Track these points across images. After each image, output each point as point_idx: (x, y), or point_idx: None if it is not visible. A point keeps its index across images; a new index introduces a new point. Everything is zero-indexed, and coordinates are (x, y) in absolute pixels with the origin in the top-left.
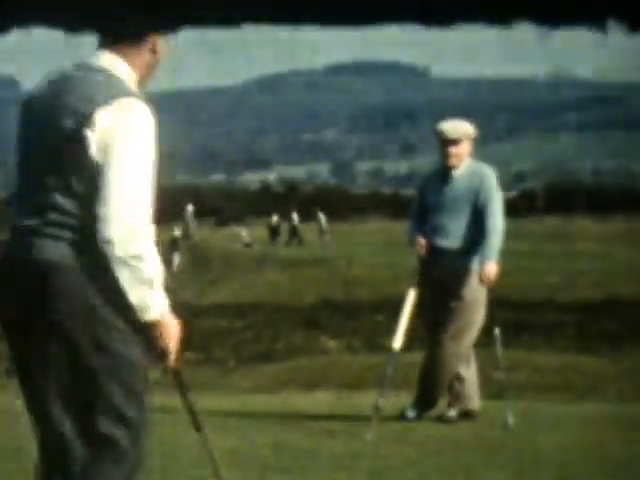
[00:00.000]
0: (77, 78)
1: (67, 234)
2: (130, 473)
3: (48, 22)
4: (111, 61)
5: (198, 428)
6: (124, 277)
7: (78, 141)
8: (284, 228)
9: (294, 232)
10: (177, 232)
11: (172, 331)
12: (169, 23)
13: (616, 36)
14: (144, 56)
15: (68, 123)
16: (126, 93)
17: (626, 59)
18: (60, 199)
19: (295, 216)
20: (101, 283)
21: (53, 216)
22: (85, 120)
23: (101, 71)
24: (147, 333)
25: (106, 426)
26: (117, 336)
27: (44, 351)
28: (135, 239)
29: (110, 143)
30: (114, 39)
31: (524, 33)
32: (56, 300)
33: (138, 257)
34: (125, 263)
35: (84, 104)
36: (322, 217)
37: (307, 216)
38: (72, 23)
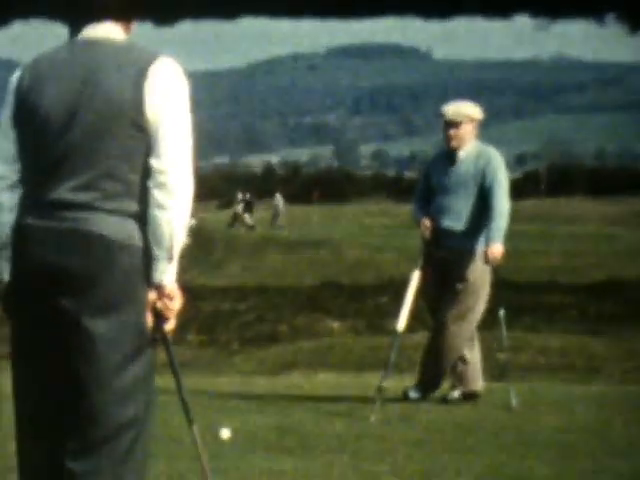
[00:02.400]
0: (99, 47)
1: (127, 206)
2: (134, 441)
3: (48, 14)
4: (114, 30)
5: (189, 420)
6: (174, 221)
7: (132, 103)
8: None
9: (236, 217)
10: None
11: (178, 301)
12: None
13: (615, 27)
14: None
15: (116, 88)
16: (157, 53)
17: (626, 40)
18: (118, 167)
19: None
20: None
21: (111, 187)
22: (136, 82)
23: (114, 40)
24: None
25: (133, 405)
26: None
27: (87, 325)
28: (189, 190)
29: (164, 101)
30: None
31: (524, 24)
32: (113, 276)
33: (187, 208)
34: (179, 209)
35: (129, 67)
36: (280, 199)
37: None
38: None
